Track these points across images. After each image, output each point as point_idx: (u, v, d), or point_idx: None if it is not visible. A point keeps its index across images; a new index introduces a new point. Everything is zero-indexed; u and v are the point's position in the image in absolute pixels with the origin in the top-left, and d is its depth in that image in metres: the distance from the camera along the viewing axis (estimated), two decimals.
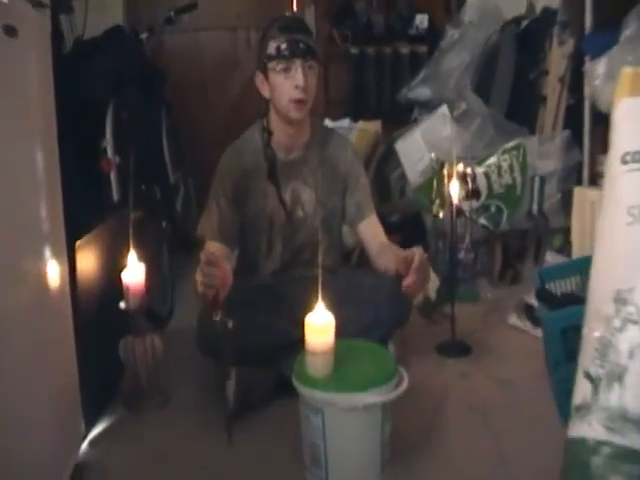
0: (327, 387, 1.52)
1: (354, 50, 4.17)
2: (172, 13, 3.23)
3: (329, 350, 1.55)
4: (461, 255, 2.66)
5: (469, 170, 2.50)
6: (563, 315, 1.70)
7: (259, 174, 2.14)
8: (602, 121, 2.50)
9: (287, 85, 1.99)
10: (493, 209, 2.74)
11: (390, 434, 1.60)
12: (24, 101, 1.46)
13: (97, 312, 1.94)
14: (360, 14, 4.14)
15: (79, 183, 2.06)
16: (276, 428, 1.86)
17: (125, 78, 2.41)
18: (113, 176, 2.24)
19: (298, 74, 1.97)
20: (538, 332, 2.27)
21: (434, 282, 2.70)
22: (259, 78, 2.07)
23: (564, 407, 1.69)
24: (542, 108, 2.96)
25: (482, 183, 2.71)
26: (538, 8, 3.42)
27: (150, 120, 2.78)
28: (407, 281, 1.85)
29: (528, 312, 2.44)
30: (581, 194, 2.40)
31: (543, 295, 1.85)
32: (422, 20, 4.17)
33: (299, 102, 2.01)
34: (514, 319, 2.46)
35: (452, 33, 3.87)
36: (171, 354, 2.11)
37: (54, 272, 1.65)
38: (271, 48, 1.99)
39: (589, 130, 2.61)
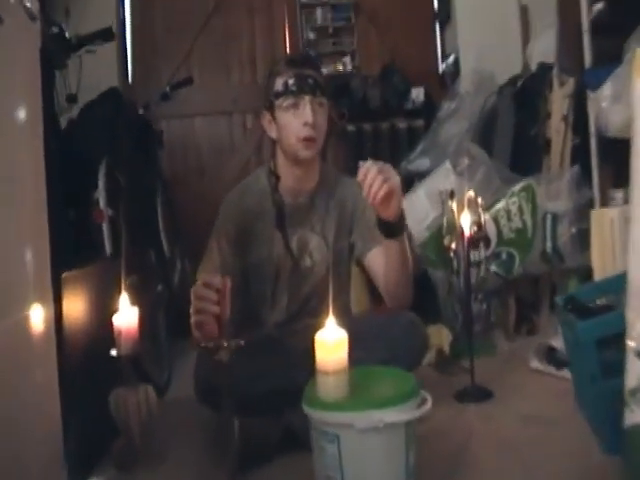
0: (342, 407, 1.35)
1: (351, 127, 4.16)
2: (168, 88, 3.21)
3: (342, 369, 1.39)
4: (474, 307, 2.52)
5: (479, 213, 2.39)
6: (597, 324, 1.54)
7: (264, 218, 2.01)
8: (610, 154, 2.44)
9: (295, 123, 1.89)
10: (504, 256, 2.61)
11: (415, 466, 1.41)
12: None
13: (85, 360, 1.78)
14: (356, 91, 4.16)
15: (68, 229, 1.96)
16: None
17: (119, 136, 2.35)
18: (105, 227, 2.13)
19: (307, 111, 1.87)
20: (564, 373, 2.13)
21: (447, 336, 2.55)
22: (266, 118, 1.97)
23: (603, 428, 1.54)
24: (546, 158, 2.88)
25: (491, 230, 2.59)
26: (533, 65, 3.43)
27: (144, 182, 2.70)
28: (367, 189, 1.65)
29: (550, 355, 2.28)
30: (599, 215, 2.29)
31: (573, 305, 1.70)
32: (418, 94, 4.19)
33: (308, 140, 1.89)
34: (536, 363, 2.30)
35: (448, 105, 3.88)
36: (168, 423, 1.98)
37: (39, 315, 1.53)
38: (278, 84, 1.90)
39: (597, 165, 2.54)
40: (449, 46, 4.40)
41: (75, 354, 1.73)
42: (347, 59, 4.34)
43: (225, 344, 1.54)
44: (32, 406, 1.48)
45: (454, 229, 2.19)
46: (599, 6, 2.53)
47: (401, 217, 1.74)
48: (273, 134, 1.97)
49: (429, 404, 1.40)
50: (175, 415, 2.18)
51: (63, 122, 2.35)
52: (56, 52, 2.29)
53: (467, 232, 2.13)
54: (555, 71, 2.88)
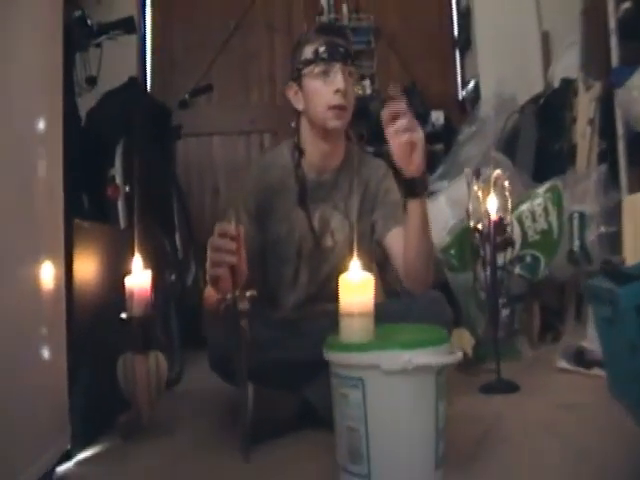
0: (367, 347, 1.26)
1: (370, 149, 4.11)
2: (187, 96, 3.15)
3: (368, 311, 1.30)
4: None
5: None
6: (638, 288, 1.44)
7: (286, 194, 1.92)
8: (639, 155, 2.39)
9: (325, 90, 1.81)
10: (529, 259, 2.52)
11: (444, 422, 1.30)
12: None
13: (94, 321, 1.70)
14: (375, 113, 4.10)
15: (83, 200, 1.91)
16: (301, 450, 1.57)
17: (135, 122, 2.30)
18: (120, 203, 2.07)
19: (338, 78, 1.79)
20: (595, 371, 2.04)
21: (470, 340, 2.44)
22: (292, 89, 1.90)
23: None
24: (572, 164, 2.82)
25: (515, 232, 2.50)
26: (556, 81, 3.40)
27: (160, 170, 2.63)
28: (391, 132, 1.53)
29: (579, 357, 2.17)
30: (632, 202, 2.20)
31: (610, 271, 1.60)
32: (438, 117, 4.15)
33: (338, 109, 1.81)
34: (564, 363, 2.18)
35: (469, 128, 3.85)
36: (178, 412, 1.91)
37: (49, 274, 1.46)
38: (307, 52, 1.83)
39: (626, 167, 2.47)
40: (469, 72, 4.39)
41: (84, 314, 1.65)
42: (367, 82, 4.31)
43: (243, 293, 1.47)
44: (38, 368, 1.40)
45: (479, 212, 2.10)
46: (626, 5, 2.50)
47: (423, 177, 1.65)
48: (299, 105, 1.89)
49: (460, 354, 1.30)
50: (186, 401, 2.09)
51: (82, 102, 2.31)
52: (77, 34, 2.29)
53: (493, 216, 2.05)
54: (580, 75, 2.84)
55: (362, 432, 1.24)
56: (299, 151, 1.91)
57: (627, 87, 2.30)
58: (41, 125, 1.45)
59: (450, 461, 1.31)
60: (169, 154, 2.86)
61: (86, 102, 2.39)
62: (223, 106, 4.23)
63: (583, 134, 2.70)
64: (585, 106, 2.72)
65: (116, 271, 1.74)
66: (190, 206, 3.46)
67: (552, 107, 3.27)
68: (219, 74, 4.12)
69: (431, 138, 4.15)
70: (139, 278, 1.70)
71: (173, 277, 2.43)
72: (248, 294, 1.47)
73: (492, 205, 2.05)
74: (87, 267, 1.69)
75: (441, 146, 4.13)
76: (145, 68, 4.08)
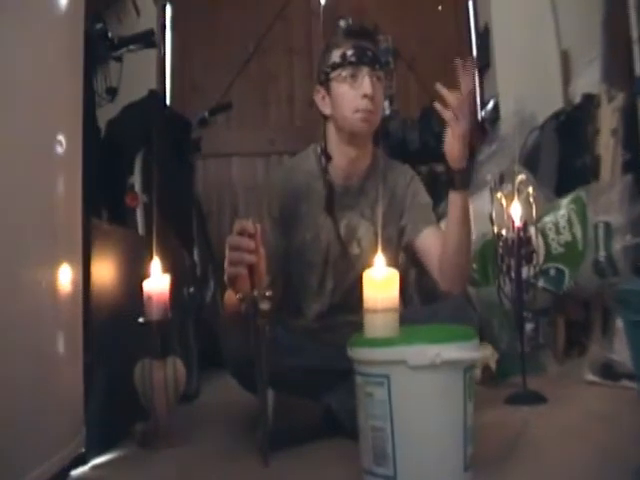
0: (393, 342, 1.22)
1: None
2: (206, 114, 3.13)
3: (393, 307, 1.26)
4: None
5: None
6: None
7: (312, 199, 1.88)
8: None
9: (352, 94, 1.78)
10: (552, 272, 2.46)
11: (472, 422, 1.24)
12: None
13: (111, 326, 1.66)
14: (395, 133, 4.09)
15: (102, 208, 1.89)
16: (322, 457, 1.52)
17: (155, 132, 2.30)
18: (139, 212, 2.05)
19: (365, 82, 1.76)
20: (625, 383, 1.97)
21: (493, 354, 2.38)
22: (319, 94, 1.86)
23: None
24: (594, 180, 2.77)
25: (539, 245, 2.44)
26: (577, 97, 3.37)
27: (178, 182, 2.62)
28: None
29: (606, 370, 2.11)
30: None
31: None
32: None
33: (366, 113, 1.78)
34: (591, 376, 2.12)
35: (488, 148, 3.82)
36: (196, 422, 1.87)
37: (66, 277, 1.44)
38: (335, 56, 1.80)
39: None
40: (488, 92, 4.36)
41: (101, 318, 1.63)
42: (386, 103, 4.30)
43: (263, 293, 1.43)
44: (53, 372, 1.38)
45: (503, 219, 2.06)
46: None
47: (467, 171, 1.67)
48: (327, 110, 1.86)
49: (489, 350, 1.26)
50: (204, 413, 2.05)
51: (102, 113, 2.31)
52: (98, 47, 2.30)
53: (518, 222, 2.00)
54: (603, 86, 2.80)
55: (388, 432, 1.20)
56: (326, 156, 1.88)
57: None
58: (61, 133, 1.44)
59: (479, 465, 1.26)
60: (189, 167, 2.83)
61: (106, 113, 2.38)
62: (242, 127, 4.23)
63: (607, 145, 2.65)
64: (608, 117, 2.68)
65: (134, 275, 1.71)
66: (209, 227, 3.45)
67: (574, 123, 3.23)
68: (238, 95, 4.11)
69: None
70: (157, 282, 1.67)
71: (192, 289, 2.39)
72: (267, 294, 1.44)
73: (516, 211, 2.00)
74: (105, 270, 1.67)
75: None
76: (165, 87, 4.09)
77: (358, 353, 1.26)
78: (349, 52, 1.78)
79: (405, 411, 1.19)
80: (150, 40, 2.51)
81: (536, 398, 1.92)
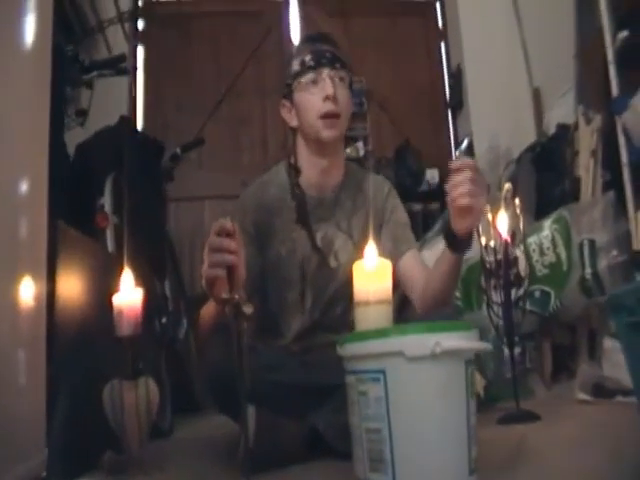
0: (389, 332, 1.12)
1: None
2: (178, 150, 3.07)
3: (386, 299, 1.18)
4: (505, 351, 2.28)
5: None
6: None
7: (285, 214, 1.81)
8: None
9: (315, 99, 1.72)
10: (537, 294, 2.39)
11: (475, 422, 1.14)
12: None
13: (78, 345, 1.54)
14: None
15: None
16: (310, 477, 1.41)
17: (126, 155, 2.22)
18: (109, 232, 1.96)
19: (326, 83, 1.70)
20: (619, 399, 1.90)
21: (480, 380, 2.28)
22: (285, 107, 1.82)
23: None
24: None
25: (523, 267, 2.37)
26: (551, 128, 3.37)
27: (150, 209, 2.52)
28: (452, 186, 1.42)
29: (598, 389, 2.02)
30: None
31: None
32: (433, 175, 4.10)
33: (330, 116, 1.71)
34: (582, 395, 2.03)
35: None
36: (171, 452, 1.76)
37: (29, 288, 1.34)
38: (295, 65, 1.76)
39: (632, 196, 2.38)
40: (462, 131, 4.37)
41: (67, 335, 1.50)
42: (360, 144, 4.28)
43: (244, 297, 1.33)
44: (11, 394, 1.28)
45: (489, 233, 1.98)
46: (624, 34, 2.48)
47: (470, 236, 1.54)
48: (294, 122, 1.81)
49: (489, 344, 1.17)
50: (179, 446, 1.92)
51: (73, 135, 2.24)
52: (68, 69, 2.24)
53: (504, 234, 1.93)
54: (580, 108, 2.79)
55: (385, 433, 1.09)
56: (295, 169, 1.81)
57: (633, 107, 2.25)
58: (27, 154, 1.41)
59: (481, 472, 1.14)
60: (161, 194, 2.74)
61: (75, 137, 2.30)
62: (214, 170, 4.17)
63: (586, 166, 2.64)
64: (587, 138, 2.67)
65: (102, 291, 1.59)
66: (182, 271, 3.34)
67: (549, 152, 3.22)
68: (210, 137, 4.05)
69: (426, 197, 4.11)
70: (129, 295, 1.55)
71: (164, 320, 2.27)
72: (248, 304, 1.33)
73: (503, 222, 1.93)
74: (71, 282, 1.55)
75: (437, 205, 4.07)
76: (136, 116, 4.04)
77: (350, 349, 1.16)
78: (307, 57, 1.73)
79: (403, 409, 1.09)
80: (121, 66, 2.46)
81: (529, 416, 1.82)
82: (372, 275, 1.17)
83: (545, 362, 2.45)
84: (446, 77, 4.55)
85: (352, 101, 1.81)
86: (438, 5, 4.67)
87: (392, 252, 1.79)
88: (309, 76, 1.73)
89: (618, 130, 2.50)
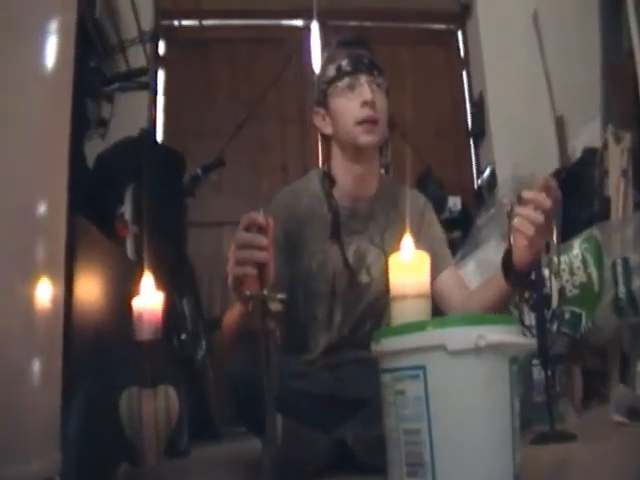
0: (429, 324, 1.04)
1: None
2: (199, 171, 3.04)
3: (424, 292, 1.11)
4: (534, 373, 2.22)
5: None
6: None
7: (317, 225, 1.75)
8: None
9: (352, 105, 1.67)
10: (567, 315, 2.30)
11: (519, 428, 1.06)
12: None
13: (96, 351, 1.47)
14: None
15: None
16: None
17: (146, 163, 2.19)
18: (129, 242, 1.91)
19: (364, 88, 1.65)
20: None
21: None
22: (319, 115, 1.76)
23: None
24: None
25: (552, 287, 2.29)
26: (577, 153, 3.31)
27: (169, 222, 2.47)
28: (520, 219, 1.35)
29: (633, 412, 1.92)
30: None
31: None
32: (455, 203, 4.03)
33: (369, 122, 1.66)
34: (619, 417, 1.92)
35: (486, 212, 3.74)
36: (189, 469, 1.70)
37: (45, 291, 1.29)
38: (331, 70, 1.71)
39: None
40: (484, 160, 4.33)
41: (84, 341, 1.44)
42: (382, 171, 4.23)
43: (273, 294, 1.25)
44: (25, 402, 1.23)
45: None
46: None
47: (527, 274, 1.49)
48: (328, 130, 1.75)
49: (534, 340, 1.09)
50: (197, 464, 1.83)
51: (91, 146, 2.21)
52: (91, 80, 2.22)
53: None
54: (609, 127, 2.73)
55: (424, 434, 1.01)
56: (330, 179, 1.75)
57: None
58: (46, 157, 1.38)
59: None
60: (182, 206, 2.70)
61: (94, 150, 2.27)
62: (234, 196, 4.12)
63: (617, 186, 2.56)
64: (617, 158, 2.60)
65: (121, 296, 1.53)
66: (200, 296, 3.28)
67: (576, 177, 3.15)
68: (230, 163, 4.01)
69: (448, 225, 4.03)
70: (149, 299, 1.49)
71: (183, 336, 2.20)
72: (280, 296, 1.25)
73: None
74: (90, 284, 1.49)
75: (459, 233, 3.99)
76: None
77: (386, 344, 1.08)
78: (344, 62, 1.69)
79: (444, 408, 1.01)
80: (142, 80, 2.45)
81: (565, 436, 1.72)
82: (409, 267, 1.11)
83: (575, 386, 2.35)
84: (468, 105, 4.50)
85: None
86: (460, 33, 4.64)
87: (431, 268, 1.72)
88: (346, 81, 1.68)
89: None
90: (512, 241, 1.41)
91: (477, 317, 1.06)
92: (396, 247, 1.67)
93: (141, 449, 1.44)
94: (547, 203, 1.32)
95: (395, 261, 1.12)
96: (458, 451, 1.00)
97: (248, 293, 1.23)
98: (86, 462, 1.36)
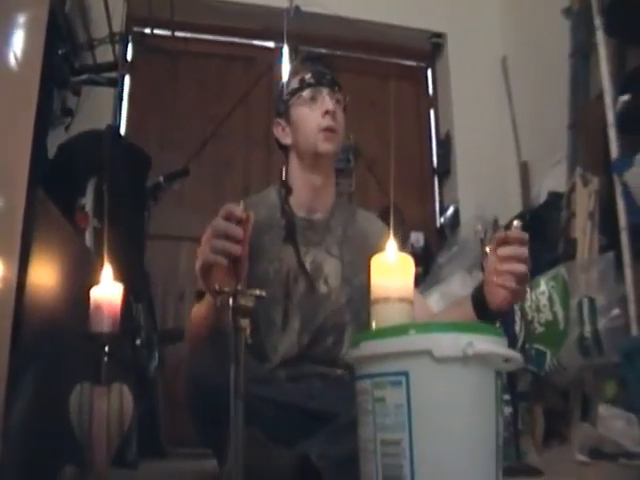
0: (415, 328, 0.99)
1: None
2: (161, 179, 2.96)
3: (408, 296, 1.05)
4: None
5: None
6: None
7: (275, 233, 1.73)
8: None
9: (314, 114, 1.71)
10: (533, 353, 2.28)
11: (502, 448, 1.01)
12: None
13: (46, 341, 1.38)
14: None
15: None
16: None
17: (109, 157, 2.12)
18: (88, 234, 1.82)
19: (326, 100, 1.71)
20: (623, 461, 1.81)
21: None
22: (279, 126, 1.80)
23: None
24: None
25: (517, 325, 2.29)
26: (542, 196, 3.34)
27: (130, 221, 2.39)
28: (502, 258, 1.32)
29: (596, 452, 1.91)
30: None
31: None
32: (418, 238, 4.00)
33: (329, 130, 1.69)
34: (582, 457, 1.91)
35: (449, 250, 3.75)
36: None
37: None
38: (294, 82, 1.77)
39: (630, 261, 2.32)
40: (448, 198, 4.33)
41: (33, 329, 1.34)
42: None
43: (245, 290, 1.19)
44: None
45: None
46: (625, 98, 2.48)
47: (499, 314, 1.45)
48: (287, 140, 1.79)
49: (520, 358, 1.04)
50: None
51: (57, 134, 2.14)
52: (58, 68, 2.15)
53: None
54: (578, 170, 2.77)
55: (405, 445, 0.95)
56: (286, 188, 1.74)
57: (636, 165, 2.22)
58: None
59: None
60: (143, 206, 2.61)
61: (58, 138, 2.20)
62: (194, 211, 4.01)
63: (583, 229, 2.58)
64: (584, 200, 2.63)
65: (78, 283, 1.45)
66: (155, 307, 3.18)
67: (540, 219, 3.19)
68: (192, 178, 3.94)
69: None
70: (108, 290, 1.41)
71: (138, 342, 2.10)
72: (258, 292, 1.20)
73: None
74: (46, 267, 1.39)
75: (420, 269, 3.97)
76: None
77: (366, 348, 1.02)
78: (307, 76, 1.75)
79: (427, 418, 0.95)
80: (111, 76, 2.39)
81: (532, 470, 1.69)
82: (393, 269, 1.06)
83: (537, 425, 2.33)
84: (434, 143, 4.51)
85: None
86: (429, 71, 4.68)
87: None
88: (308, 93, 1.74)
89: (617, 193, 2.50)
90: (490, 293, 1.37)
91: (466, 325, 1.01)
92: (353, 260, 1.73)
93: (89, 451, 1.34)
94: (525, 253, 1.31)
95: (378, 262, 1.07)
96: (440, 465, 0.94)
97: (217, 288, 1.17)
98: (28, 458, 1.25)
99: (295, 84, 1.76)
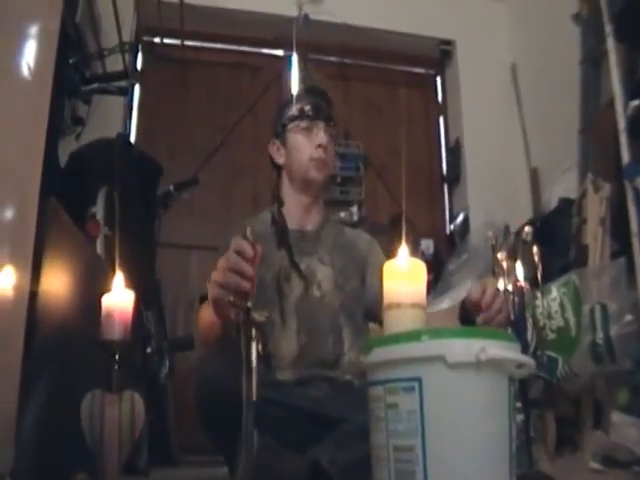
0: (428, 334, 0.98)
1: None
2: (171, 187, 2.98)
3: (421, 302, 1.05)
4: None
5: None
6: None
7: (270, 244, 1.78)
8: None
9: (308, 145, 1.86)
10: (544, 359, 2.27)
11: (516, 455, 1.00)
12: None
13: (59, 349, 1.38)
14: None
15: None
16: None
17: (120, 166, 2.13)
18: (99, 242, 1.83)
19: (321, 134, 1.86)
20: (636, 469, 1.78)
21: None
22: (274, 146, 1.93)
23: None
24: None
25: (529, 332, 2.27)
26: (553, 202, 3.33)
27: (140, 229, 2.39)
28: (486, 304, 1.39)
29: (609, 459, 1.89)
30: None
31: None
32: (428, 245, 4.00)
33: (320, 162, 1.85)
34: (595, 465, 1.89)
35: (459, 257, 3.74)
36: None
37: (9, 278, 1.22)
38: (294, 110, 1.89)
39: None
40: (457, 206, 4.32)
41: (46, 337, 1.35)
42: (354, 209, 4.21)
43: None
44: None
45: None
46: (635, 103, 2.48)
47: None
48: (281, 160, 1.91)
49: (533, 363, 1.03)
50: None
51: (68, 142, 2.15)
52: (69, 78, 2.17)
53: (522, 281, 1.82)
54: (589, 176, 2.76)
55: (418, 451, 0.94)
56: (278, 202, 1.85)
57: None
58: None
59: None
60: (154, 215, 2.62)
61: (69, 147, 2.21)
62: (203, 220, 4.04)
63: (594, 235, 2.57)
64: (596, 206, 2.62)
65: (89, 290, 1.45)
66: (165, 316, 3.18)
67: (551, 226, 3.17)
68: (202, 187, 3.95)
69: None
70: (120, 297, 1.41)
71: (148, 350, 2.11)
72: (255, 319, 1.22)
73: (519, 268, 1.83)
74: (58, 274, 1.40)
75: (430, 277, 3.96)
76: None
77: (378, 354, 1.02)
78: (307, 107, 1.88)
79: (441, 424, 0.94)
80: (121, 85, 2.40)
81: (545, 478, 1.67)
82: (405, 275, 1.05)
83: (549, 433, 2.31)
84: (444, 150, 4.51)
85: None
86: (439, 79, 4.68)
87: (378, 305, 1.71)
88: (306, 123, 1.86)
89: (628, 199, 2.47)
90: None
91: (479, 330, 1.01)
92: (344, 269, 1.83)
93: (100, 458, 1.34)
94: (501, 307, 1.41)
95: (390, 268, 1.07)
96: (453, 471, 0.93)
97: (231, 299, 1.25)
98: (41, 465, 1.25)
99: (295, 112, 1.88)
